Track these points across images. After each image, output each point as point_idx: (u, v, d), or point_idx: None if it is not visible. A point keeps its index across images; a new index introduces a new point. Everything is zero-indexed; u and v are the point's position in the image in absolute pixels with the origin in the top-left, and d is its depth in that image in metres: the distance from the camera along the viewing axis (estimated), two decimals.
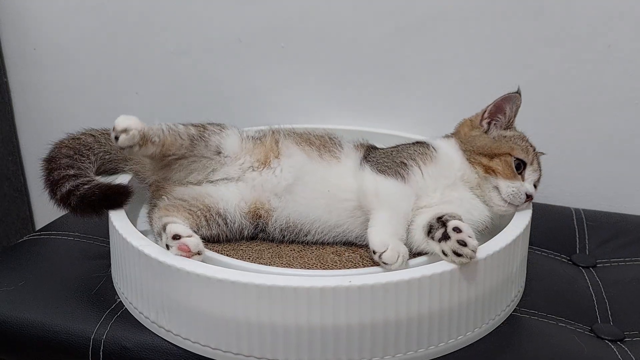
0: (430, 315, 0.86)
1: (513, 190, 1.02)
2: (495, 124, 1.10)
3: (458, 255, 0.86)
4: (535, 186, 1.06)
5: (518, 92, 1.08)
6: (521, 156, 1.05)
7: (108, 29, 1.59)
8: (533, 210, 1.26)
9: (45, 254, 1.14)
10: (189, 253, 0.88)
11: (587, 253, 1.22)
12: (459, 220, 0.91)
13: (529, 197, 1.02)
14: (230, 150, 1.07)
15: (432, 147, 1.08)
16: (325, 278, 0.83)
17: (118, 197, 0.94)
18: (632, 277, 1.12)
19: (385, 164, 1.04)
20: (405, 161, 1.04)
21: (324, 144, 1.11)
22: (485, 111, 1.10)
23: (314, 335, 0.83)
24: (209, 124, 1.10)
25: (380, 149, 1.13)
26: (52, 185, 1.01)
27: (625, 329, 0.98)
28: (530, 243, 1.20)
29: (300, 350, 0.84)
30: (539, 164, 1.08)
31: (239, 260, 0.93)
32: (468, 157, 1.07)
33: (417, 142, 1.12)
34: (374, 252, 0.91)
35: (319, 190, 1.04)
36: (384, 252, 0.89)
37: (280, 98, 1.54)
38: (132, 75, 1.62)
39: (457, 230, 0.88)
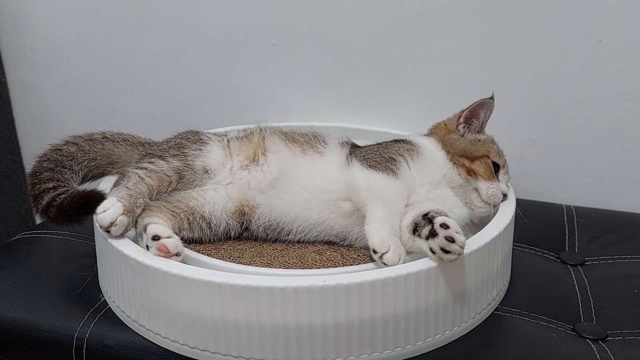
0: (406, 314, 0.86)
1: (493, 191, 1.04)
2: (469, 128, 1.12)
3: (446, 252, 0.86)
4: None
5: (492, 98, 1.10)
6: (496, 159, 1.08)
7: (104, 29, 1.61)
8: (523, 208, 1.27)
9: (35, 253, 1.15)
10: (167, 254, 0.89)
11: (576, 251, 1.22)
12: (445, 216, 0.91)
13: (504, 196, 1.06)
14: (216, 164, 1.07)
15: (416, 144, 1.09)
16: (300, 278, 0.83)
17: (92, 203, 0.95)
18: (619, 275, 1.12)
19: (374, 159, 1.04)
20: (394, 157, 1.04)
21: (307, 141, 1.12)
22: (460, 116, 1.12)
23: (290, 334, 0.84)
24: (184, 139, 1.10)
25: (364, 146, 1.13)
26: (34, 199, 1.02)
27: (609, 327, 0.98)
28: (519, 240, 1.21)
29: (276, 349, 0.84)
30: (507, 165, 1.12)
31: (217, 260, 0.94)
32: (451, 158, 1.09)
33: (400, 140, 1.12)
34: (375, 252, 0.90)
35: (302, 185, 1.05)
36: (386, 253, 0.89)
37: (273, 96, 1.54)
38: (127, 74, 1.63)
39: (444, 226, 0.88)
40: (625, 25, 1.29)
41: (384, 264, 0.89)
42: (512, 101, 1.40)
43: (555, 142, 1.40)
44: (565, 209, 1.31)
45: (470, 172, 1.07)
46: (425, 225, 0.90)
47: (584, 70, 1.33)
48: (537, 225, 1.27)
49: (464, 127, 1.12)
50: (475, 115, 1.11)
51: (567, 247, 1.23)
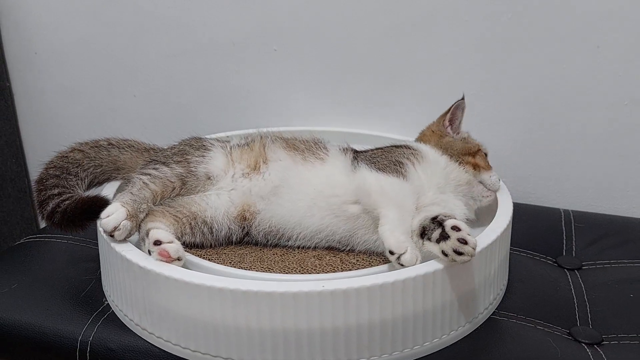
0: (404, 318, 0.88)
1: (494, 179, 1.14)
2: (452, 129, 1.19)
3: (459, 253, 0.87)
4: None
5: (463, 99, 1.18)
6: (485, 151, 1.18)
7: (106, 33, 1.63)
8: (521, 212, 1.28)
9: (40, 257, 1.17)
10: (168, 259, 0.90)
11: (574, 255, 1.23)
12: (455, 219, 0.92)
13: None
14: (219, 170, 1.09)
15: (417, 148, 1.11)
16: (299, 283, 0.84)
17: (95, 208, 0.97)
18: (616, 280, 1.13)
19: (382, 162, 1.06)
20: (401, 160, 1.06)
21: (308, 148, 1.13)
22: (444, 120, 1.19)
23: (289, 338, 0.85)
24: (188, 146, 1.12)
25: (364, 151, 1.15)
26: (40, 205, 1.04)
27: (604, 332, 0.99)
28: (516, 245, 1.22)
29: (276, 354, 0.86)
30: None
31: (218, 265, 0.96)
32: (457, 159, 1.13)
33: (400, 145, 1.14)
34: (392, 253, 0.91)
35: (304, 191, 1.06)
36: (404, 254, 0.90)
37: (274, 100, 1.56)
38: (129, 78, 1.65)
39: (456, 228, 0.89)
40: (622, 32, 1.30)
41: (401, 265, 0.90)
42: (510, 105, 1.41)
43: (553, 146, 1.41)
44: (563, 213, 1.33)
45: (476, 167, 1.13)
46: (435, 228, 0.91)
47: (582, 76, 1.35)
48: (535, 230, 1.28)
49: (451, 130, 1.19)
50: (455, 117, 1.18)
51: (564, 251, 1.24)
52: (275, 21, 1.50)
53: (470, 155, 1.14)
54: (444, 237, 0.89)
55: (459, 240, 0.87)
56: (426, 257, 0.91)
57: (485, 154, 1.17)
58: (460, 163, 1.12)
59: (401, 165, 1.05)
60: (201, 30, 1.55)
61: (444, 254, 0.88)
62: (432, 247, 0.91)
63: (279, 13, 1.49)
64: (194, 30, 1.56)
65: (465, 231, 0.88)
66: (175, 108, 1.64)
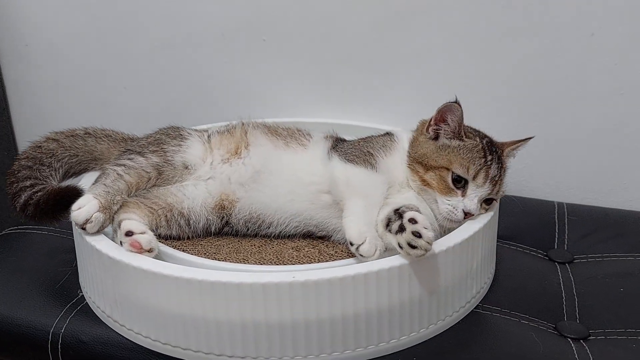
0: (379, 311, 0.85)
1: (448, 208, 0.96)
2: (442, 132, 1.00)
3: (413, 247, 0.84)
4: (491, 200, 0.99)
5: (456, 102, 0.97)
6: (459, 171, 0.96)
7: (97, 25, 1.61)
8: (514, 204, 1.25)
9: (19, 248, 1.16)
10: (140, 250, 0.89)
11: (565, 248, 1.19)
12: (416, 211, 0.90)
13: (467, 214, 0.95)
14: (196, 159, 1.07)
15: (396, 139, 1.07)
16: (269, 274, 0.82)
17: (69, 199, 0.95)
18: (607, 274, 1.09)
19: (354, 153, 1.04)
20: (371, 151, 1.04)
21: (291, 134, 1.12)
22: (431, 119, 1.02)
23: (260, 331, 0.83)
24: (164, 135, 1.10)
25: (349, 140, 1.12)
26: (12, 198, 1.03)
27: (592, 326, 0.96)
28: (507, 238, 1.19)
29: (246, 347, 0.84)
30: (487, 176, 0.97)
31: (190, 256, 0.94)
32: (409, 163, 1.02)
33: (386, 133, 1.11)
34: (351, 244, 0.90)
35: (284, 178, 1.04)
36: (362, 244, 0.89)
37: (263, 91, 1.54)
38: (120, 70, 1.64)
39: (412, 221, 0.86)
40: (617, 18, 1.26)
41: (361, 255, 0.88)
42: (503, 96, 1.38)
43: (547, 138, 1.37)
44: (556, 206, 1.29)
45: (425, 183, 0.99)
46: (396, 220, 0.89)
47: (576, 65, 1.31)
48: (527, 223, 1.25)
49: (435, 131, 1.01)
50: (443, 119, 0.99)
51: (556, 244, 1.20)
52: (264, 12, 1.47)
53: (423, 167, 0.99)
54: (401, 229, 0.86)
55: (413, 233, 0.84)
56: (395, 251, 0.88)
57: (459, 178, 0.96)
58: (410, 169, 1.01)
59: (371, 156, 1.02)
60: (191, 22, 1.53)
61: (400, 246, 0.86)
62: (392, 238, 0.88)
63: (269, 4, 1.46)
64: (183, 22, 1.54)
65: (422, 224, 0.85)
66: (166, 100, 1.62)
